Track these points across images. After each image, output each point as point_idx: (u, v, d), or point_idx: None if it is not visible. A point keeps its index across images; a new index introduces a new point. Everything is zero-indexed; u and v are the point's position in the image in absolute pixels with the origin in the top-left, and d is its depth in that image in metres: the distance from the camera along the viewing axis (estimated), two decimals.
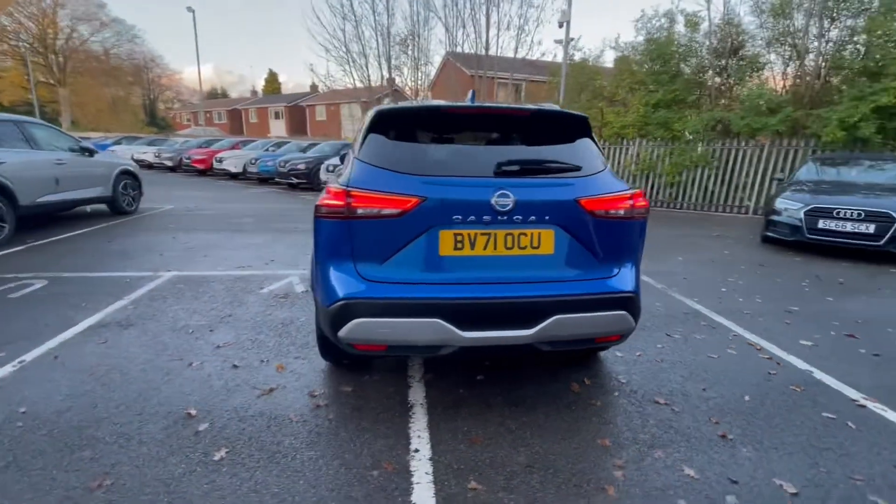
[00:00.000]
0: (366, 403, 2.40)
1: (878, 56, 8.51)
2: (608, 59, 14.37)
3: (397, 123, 2.23)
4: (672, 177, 11.14)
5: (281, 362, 2.82)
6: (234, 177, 16.19)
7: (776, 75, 10.97)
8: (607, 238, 2.12)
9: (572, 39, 12.20)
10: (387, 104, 2.36)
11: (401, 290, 2.01)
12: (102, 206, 7.76)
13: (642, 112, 11.25)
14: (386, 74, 20.28)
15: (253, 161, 15.07)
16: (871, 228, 5.45)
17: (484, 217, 1.95)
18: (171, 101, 54.64)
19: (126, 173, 7.95)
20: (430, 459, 1.99)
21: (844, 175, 7.06)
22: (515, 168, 2.04)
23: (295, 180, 13.15)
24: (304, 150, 15.26)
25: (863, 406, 2.48)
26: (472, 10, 17.23)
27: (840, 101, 8.75)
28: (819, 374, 2.81)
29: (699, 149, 10.63)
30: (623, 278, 2.18)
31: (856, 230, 5.54)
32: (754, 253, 6.17)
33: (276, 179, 13.84)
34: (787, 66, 10.75)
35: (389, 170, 2.02)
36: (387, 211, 1.95)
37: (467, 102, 2.57)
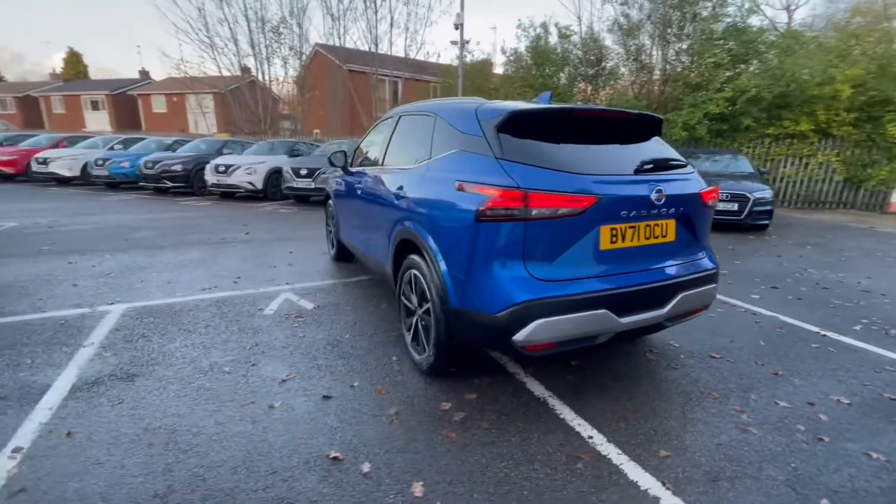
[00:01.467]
0: (502, 406, 2.38)
1: (702, 74, 11.03)
2: (497, 62, 15.47)
3: (527, 124, 2.24)
4: None
5: (375, 384, 2.56)
6: (64, 182, 12.89)
7: (630, 84, 13.31)
8: (703, 224, 2.51)
9: (467, 41, 12.84)
10: (515, 105, 2.33)
11: (572, 286, 2.07)
12: None
13: None
14: (253, 63, 18.37)
15: (99, 162, 12.21)
16: (735, 206, 7.17)
17: (642, 211, 2.14)
18: None
19: None
20: (609, 442, 2.11)
21: (698, 166, 9.03)
22: (651, 166, 2.27)
23: (169, 184, 11.14)
24: (170, 149, 12.97)
25: (825, 335, 3.39)
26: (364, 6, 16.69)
27: (682, 107, 11.10)
28: (783, 318, 3.72)
29: None
30: (711, 257, 2.60)
31: (725, 208, 7.21)
32: None
33: (141, 184, 11.52)
34: (636, 77, 13.15)
35: (553, 169, 2.05)
36: (564, 210, 1.99)
37: (543, 102, 2.70)
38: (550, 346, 2.09)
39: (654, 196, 2.15)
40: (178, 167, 11.04)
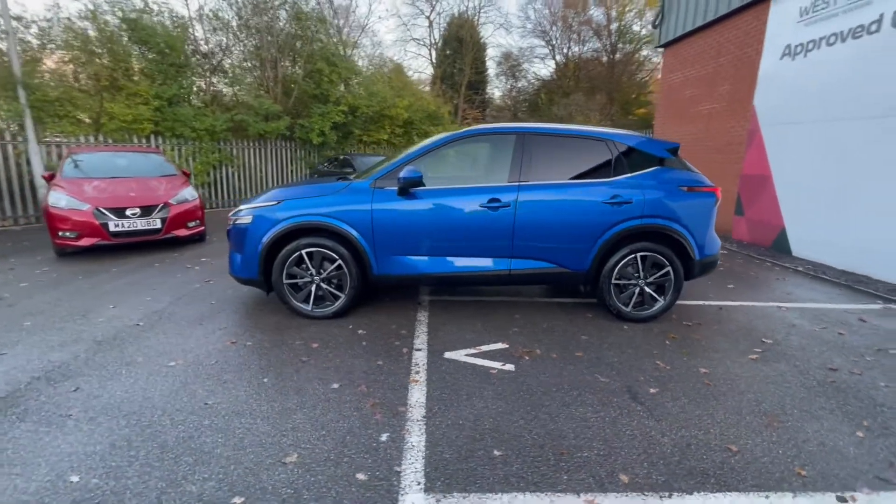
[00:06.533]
0: (692, 313, 4.04)
1: (321, 88, 12.72)
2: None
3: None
4: (203, 176, 10.88)
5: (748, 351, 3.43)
6: None
7: (255, 87, 12.71)
8: None
9: None
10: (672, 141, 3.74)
11: None
12: None
13: (157, 105, 9.74)
14: None
15: None
16: None
17: None
18: None
19: None
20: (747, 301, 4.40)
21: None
22: None
23: None
24: None
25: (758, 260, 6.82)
26: None
27: (312, 115, 12.42)
28: None
29: (219, 148, 11.06)
30: None
31: None
32: None
33: None
34: (260, 81, 12.85)
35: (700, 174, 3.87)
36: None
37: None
38: None
39: None
40: None
